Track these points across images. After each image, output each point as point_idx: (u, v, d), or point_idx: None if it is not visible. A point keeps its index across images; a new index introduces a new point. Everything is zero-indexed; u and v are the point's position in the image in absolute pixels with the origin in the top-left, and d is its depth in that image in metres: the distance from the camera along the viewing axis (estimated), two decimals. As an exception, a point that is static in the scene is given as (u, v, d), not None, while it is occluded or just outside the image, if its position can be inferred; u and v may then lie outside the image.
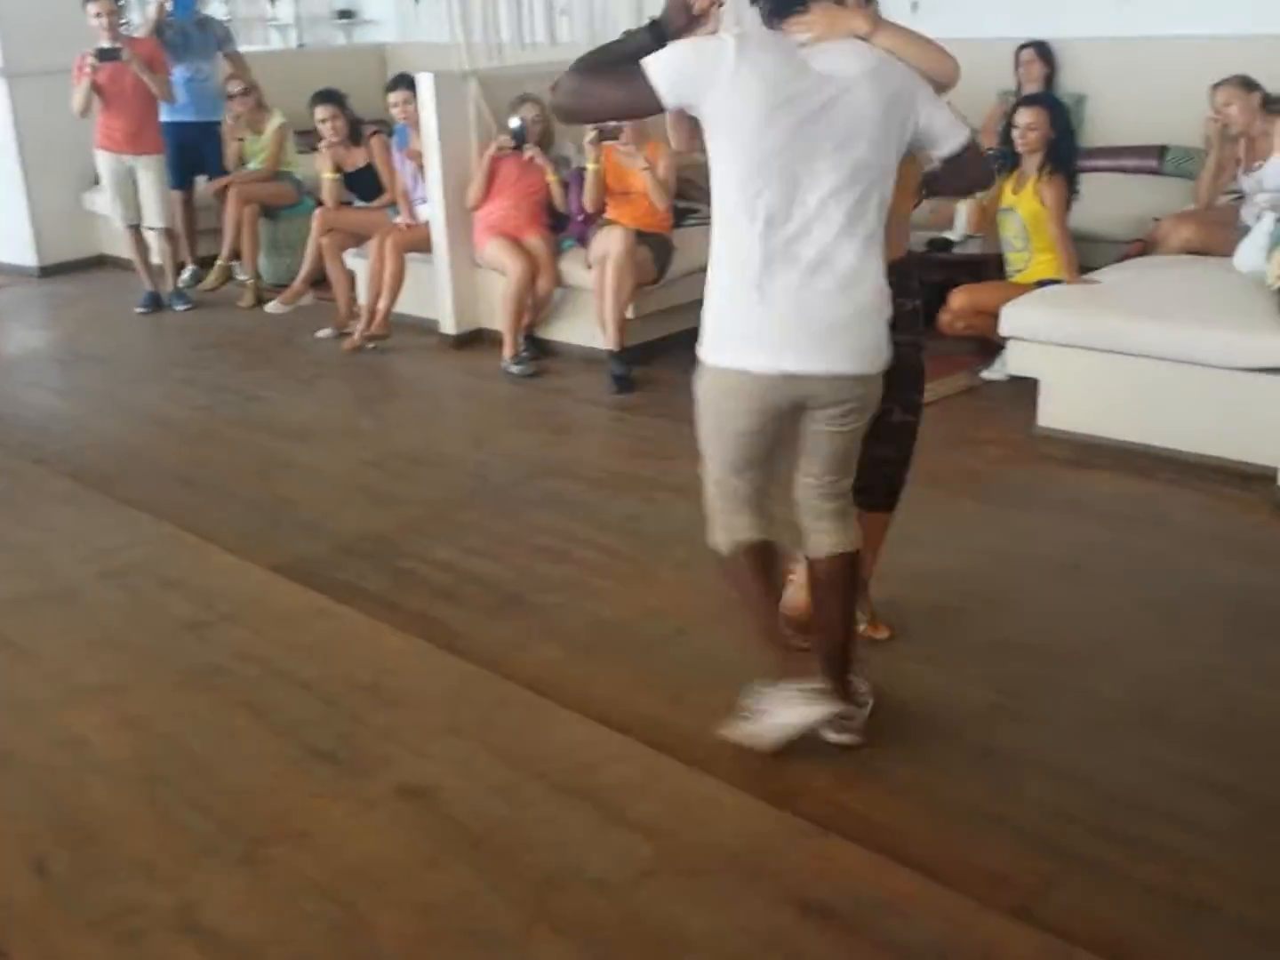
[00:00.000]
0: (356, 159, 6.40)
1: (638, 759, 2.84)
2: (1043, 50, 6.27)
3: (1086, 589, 3.54)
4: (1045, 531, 3.95)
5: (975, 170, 2.78)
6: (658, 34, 2.53)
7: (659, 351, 5.71)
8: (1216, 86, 4.84)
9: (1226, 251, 4.65)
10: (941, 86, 2.59)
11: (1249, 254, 4.50)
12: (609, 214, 5.53)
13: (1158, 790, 2.66)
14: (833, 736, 2.81)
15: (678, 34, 2.54)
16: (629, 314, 5.48)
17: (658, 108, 2.49)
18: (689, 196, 6.25)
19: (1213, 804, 2.60)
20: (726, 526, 2.80)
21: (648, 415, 5.13)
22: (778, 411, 2.61)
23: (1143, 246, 5.23)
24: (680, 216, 5.91)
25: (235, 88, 7.14)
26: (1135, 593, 3.48)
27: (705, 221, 6.02)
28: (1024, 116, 4.91)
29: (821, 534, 2.81)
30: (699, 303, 6.19)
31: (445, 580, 3.76)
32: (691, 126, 2.61)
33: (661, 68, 2.44)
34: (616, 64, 2.51)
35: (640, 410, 5.20)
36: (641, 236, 5.44)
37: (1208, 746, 2.78)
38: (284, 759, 2.90)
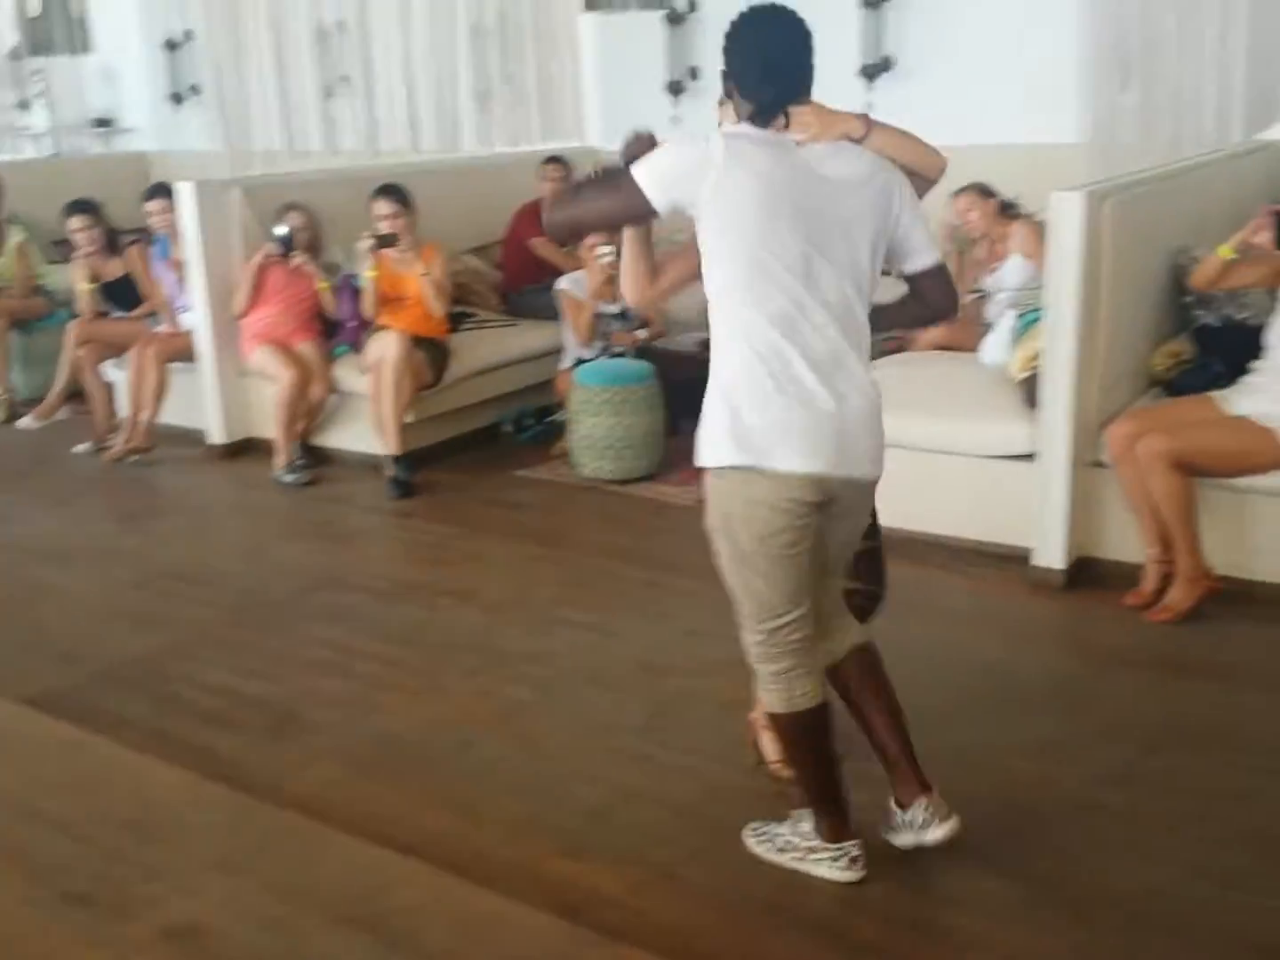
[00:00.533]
0: (114, 269, 6.20)
1: (424, 881, 2.73)
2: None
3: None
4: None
5: (940, 294, 2.63)
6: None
7: (439, 456, 5.65)
8: (956, 194, 5.15)
9: (973, 347, 4.90)
10: (929, 182, 2.58)
11: (994, 349, 4.75)
12: (382, 320, 5.47)
13: (941, 873, 2.70)
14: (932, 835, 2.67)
15: None
16: (408, 418, 5.41)
17: (650, 212, 2.46)
18: (466, 301, 6.28)
19: (993, 884, 2.66)
20: (791, 691, 2.57)
21: (429, 520, 5.06)
22: (813, 518, 2.47)
23: (898, 344, 5.48)
24: (456, 321, 5.91)
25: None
26: (912, 677, 3.56)
27: (483, 325, 6.13)
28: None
29: (843, 630, 2.72)
30: (480, 405, 6.21)
31: (216, 704, 3.57)
32: (691, 256, 2.52)
33: (648, 171, 2.43)
34: (603, 179, 2.52)
35: (421, 515, 5.12)
36: (417, 341, 5.41)
37: (987, 825, 2.84)
38: (39, 905, 2.68)
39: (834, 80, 6.52)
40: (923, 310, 2.69)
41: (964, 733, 3.24)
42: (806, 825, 2.71)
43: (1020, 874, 2.69)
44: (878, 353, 5.46)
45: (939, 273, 2.59)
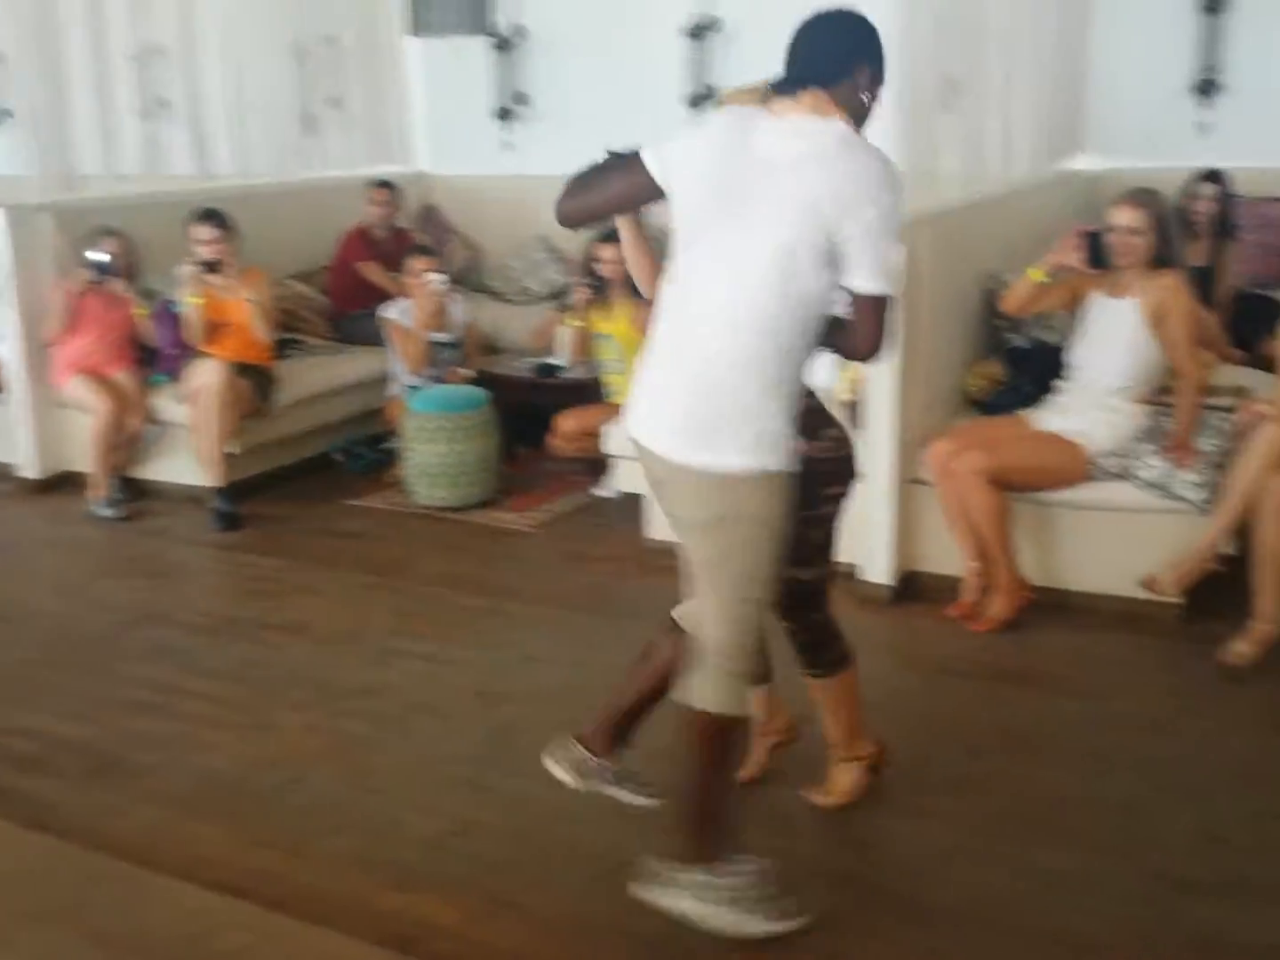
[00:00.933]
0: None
1: (253, 923, 2.64)
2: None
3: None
4: (660, 642, 4.05)
5: (861, 329, 2.33)
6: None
7: (266, 486, 5.51)
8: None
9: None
10: None
11: (822, 372, 4.85)
12: (203, 347, 5.32)
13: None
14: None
15: None
16: (232, 448, 5.27)
17: (658, 193, 2.43)
18: (292, 328, 6.15)
19: (825, 893, 2.70)
20: (747, 693, 2.50)
21: (256, 553, 4.92)
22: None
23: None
24: (282, 347, 5.79)
25: None
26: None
27: (310, 352, 6.00)
28: (603, 251, 5.18)
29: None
30: (308, 434, 6.06)
31: (29, 749, 3.40)
32: None
33: (655, 150, 2.45)
34: (611, 163, 2.53)
35: (247, 548, 4.98)
36: (241, 369, 5.27)
37: (818, 836, 2.88)
38: None
39: (664, 106, 6.57)
40: (843, 341, 2.42)
41: (797, 746, 3.28)
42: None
43: (852, 881, 2.74)
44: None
45: (870, 305, 2.32)
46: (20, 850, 2.93)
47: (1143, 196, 3.94)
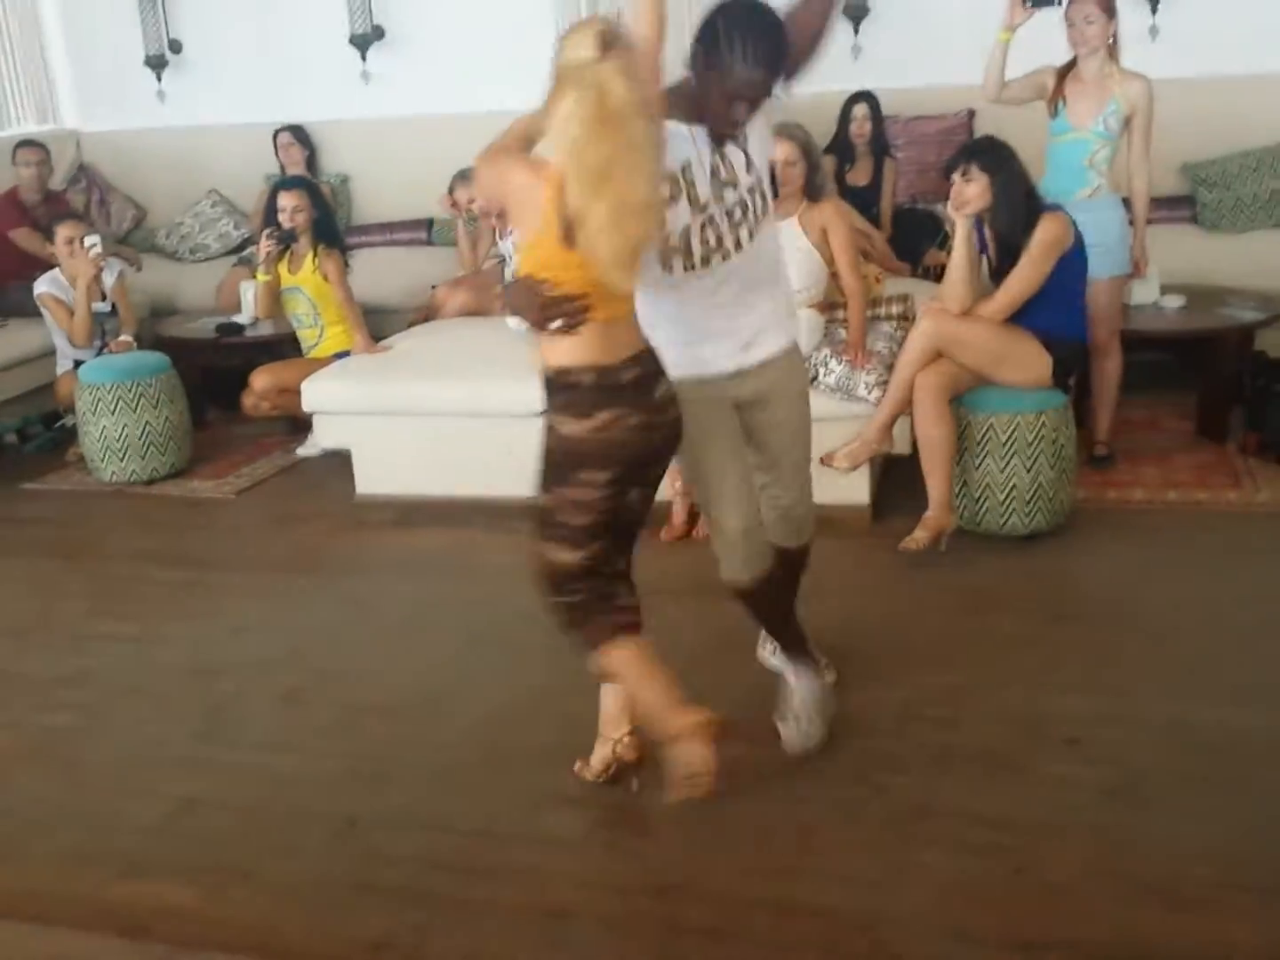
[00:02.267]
0: None
1: (-34, 935, 2.49)
2: (299, 134, 6.41)
3: (425, 643, 3.65)
4: (379, 596, 4.02)
5: None
6: None
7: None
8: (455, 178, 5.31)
9: (498, 312, 5.01)
10: None
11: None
12: None
13: (512, 816, 2.78)
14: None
15: None
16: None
17: None
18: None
19: (564, 816, 2.77)
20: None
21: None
22: None
23: (426, 314, 5.51)
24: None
25: None
26: (469, 637, 3.64)
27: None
28: (285, 199, 4.99)
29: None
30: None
31: None
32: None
33: None
34: None
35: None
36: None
37: (551, 763, 2.95)
38: None
39: (328, 48, 6.38)
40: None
41: (521, 683, 3.32)
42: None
43: (586, 803, 2.82)
44: (405, 324, 5.51)
45: None
46: None
47: (792, 130, 4.15)
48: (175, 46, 6.80)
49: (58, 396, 5.43)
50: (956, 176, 3.89)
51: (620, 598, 2.66)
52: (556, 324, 2.40)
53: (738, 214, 2.58)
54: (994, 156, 3.87)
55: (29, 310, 5.56)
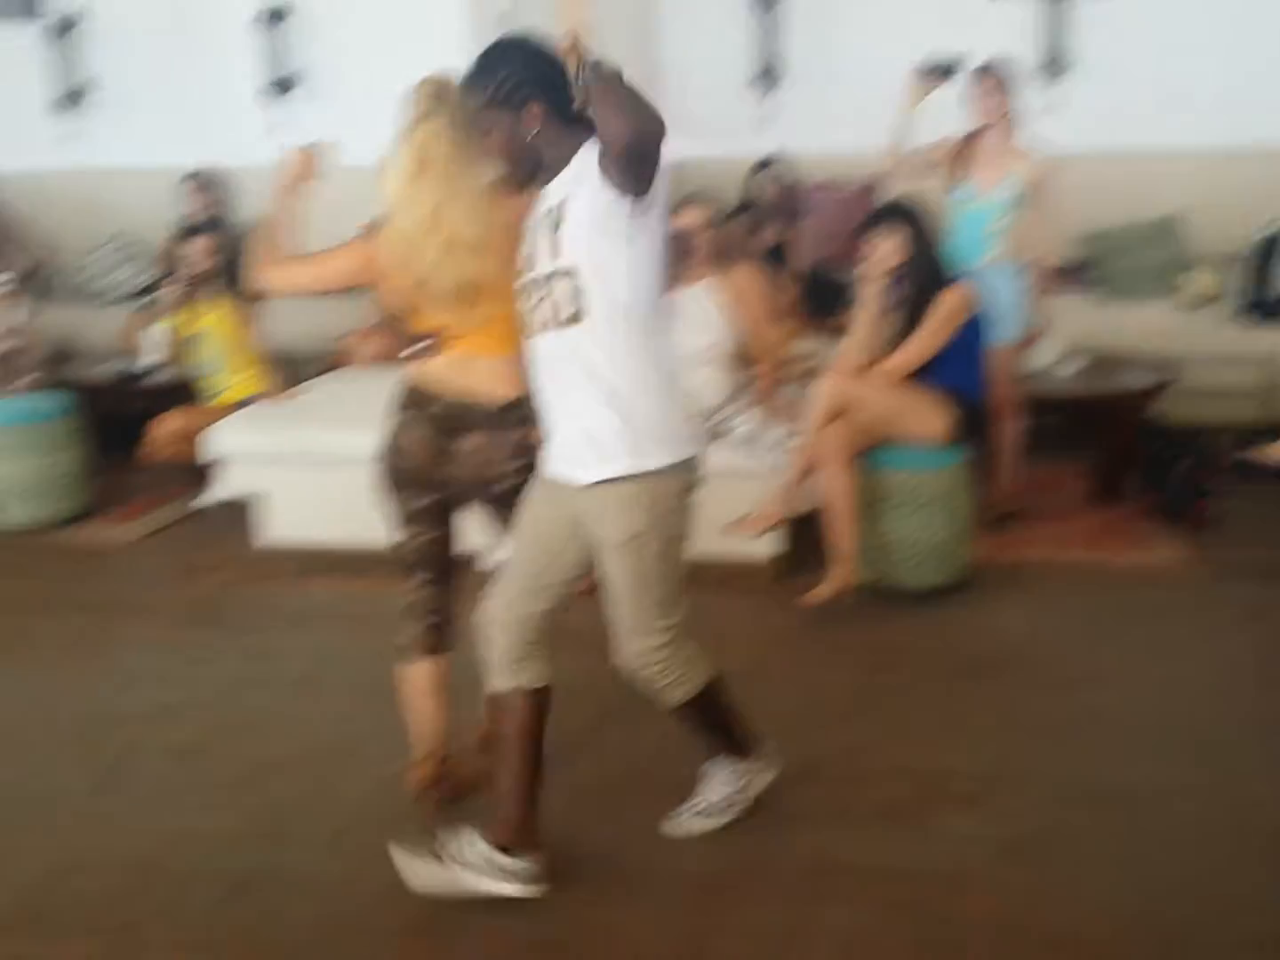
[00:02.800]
0: None
1: None
2: (209, 178, 6.35)
3: (325, 696, 3.59)
4: (279, 648, 3.95)
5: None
6: None
7: None
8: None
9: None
10: None
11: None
12: None
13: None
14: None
15: None
16: None
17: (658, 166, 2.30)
18: None
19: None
20: (701, 664, 2.68)
21: None
22: None
23: (338, 360, 5.46)
24: None
25: None
26: (370, 690, 3.57)
27: None
28: (193, 245, 4.97)
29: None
30: None
31: None
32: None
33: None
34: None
35: None
36: None
37: (453, 824, 2.90)
38: None
39: (240, 94, 6.33)
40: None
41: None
42: (736, 769, 2.83)
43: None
44: (316, 371, 5.44)
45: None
46: None
47: (696, 198, 4.37)
48: (84, 88, 6.71)
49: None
50: (872, 238, 3.99)
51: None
52: (408, 352, 2.77)
53: (536, 296, 2.46)
54: (907, 215, 3.99)
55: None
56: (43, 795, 3.10)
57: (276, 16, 6.33)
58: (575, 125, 2.37)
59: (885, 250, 3.96)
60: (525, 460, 2.69)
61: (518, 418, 2.70)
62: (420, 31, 6.11)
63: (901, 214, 4.01)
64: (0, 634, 4.06)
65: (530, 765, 2.61)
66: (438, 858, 2.57)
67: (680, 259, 4.22)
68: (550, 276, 2.42)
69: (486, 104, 2.40)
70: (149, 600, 4.33)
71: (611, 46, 5.34)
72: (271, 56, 6.41)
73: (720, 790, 2.86)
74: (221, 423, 4.66)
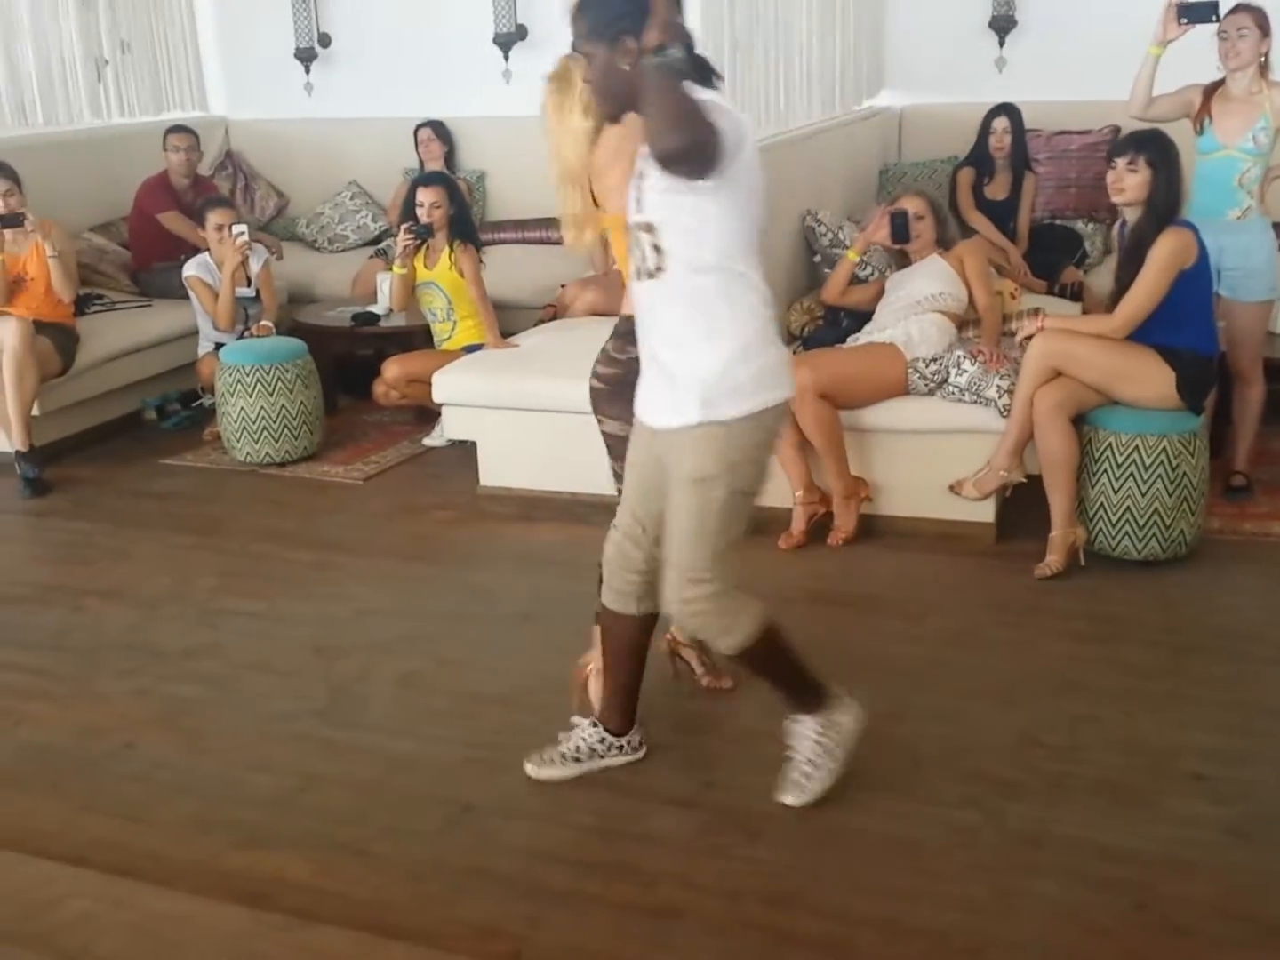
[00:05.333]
0: None
1: (96, 890, 2.58)
2: (439, 129, 6.53)
3: (542, 634, 3.68)
4: (498, 587, 4.06)
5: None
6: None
7: (75, 448, 5.31)
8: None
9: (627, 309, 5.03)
10: None
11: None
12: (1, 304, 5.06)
13: (623, 814, 2.79)
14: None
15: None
16: (35, 411, 5.03)
17: (718, 168, 2.32)
18: (91, 282, 5.89)
19: (674, 817, 2.78)
20: (759, 606, 2.69)
21: (68, 518, 4.73)
22: None
23: (554, 311, 5.56)
24: (84, 303, 5.54)
25: None
26: (574, 630, 3.65)
27: (113, 307, 5.75)
28: (424, 195, 5.10)
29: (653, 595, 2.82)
30: (117, 393, 5.81)
31: None
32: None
33: (724, 126, 2.30)
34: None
35: (58, 513, 4.78)
36: (40, 327, 5.03)
37: (664, 763, 2.97)
38: None
39: (471, 47, 6.46)
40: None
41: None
42: (809, 724, 2.79)
43: (696, 804, 2.82)
44: (534, 321, 5.56)
45: None
46: None
47: (917, 188, 4.59)
48: (324, 40, 6.98)
49: (198, 376, 5.59)
50: (1120, 162, 3.80)
51: None
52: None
53: (631, 243, 2.55)
54: (1163, 153, 3.76)
55: (173, 291, 5.74)
56: (276, 715, 3.28)
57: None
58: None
59: (1134, 181, 3.77)
60: (606, 370, 2.97)
61: (619, 330, 2.95)
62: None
63: (1161, 147, 3.77)
64: (237, 563, 4.29)
65: (633, 675, 2.90)
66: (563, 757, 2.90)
67: (902, 242, 4.41)
68: (638, 227, 2.51)
69: (586, 35, 2.46)
70: (375, 537, 4.52)
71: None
72: (502, 10, 6.53)
73: (808, 748, 2.80)
74: (447, 368, 4.80)
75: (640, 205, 2.50)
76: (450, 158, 6.58)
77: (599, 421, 3.04)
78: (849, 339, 4.38)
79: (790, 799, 2.77)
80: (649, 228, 2.48)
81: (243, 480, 5.09)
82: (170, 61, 7.01)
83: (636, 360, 2.70)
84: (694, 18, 4.25)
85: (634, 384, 2.71)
